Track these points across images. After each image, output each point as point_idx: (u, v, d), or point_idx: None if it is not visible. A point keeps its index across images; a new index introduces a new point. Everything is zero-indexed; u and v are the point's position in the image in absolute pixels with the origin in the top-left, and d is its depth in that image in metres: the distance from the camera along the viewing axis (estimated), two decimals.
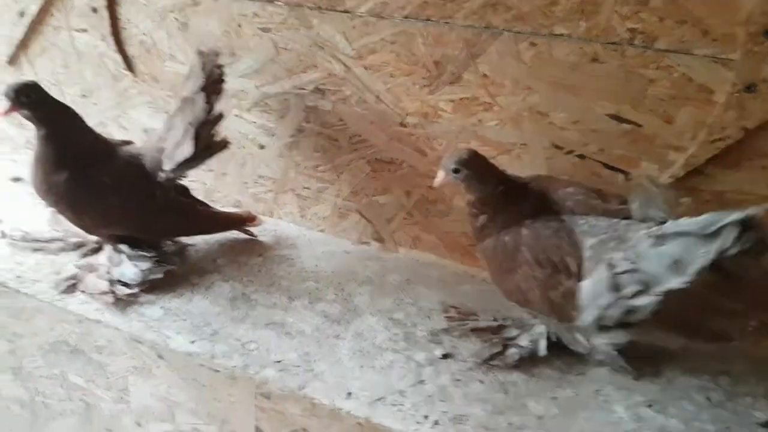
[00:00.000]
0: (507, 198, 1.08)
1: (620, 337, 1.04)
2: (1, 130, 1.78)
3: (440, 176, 1.10)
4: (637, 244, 0.97)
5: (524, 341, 1.12)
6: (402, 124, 1.31)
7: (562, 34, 1.13)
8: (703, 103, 1.07)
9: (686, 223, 0.92)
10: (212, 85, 1.25)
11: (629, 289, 0.97)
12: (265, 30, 1.36)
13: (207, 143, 1.25)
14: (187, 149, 1.22)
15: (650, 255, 0.95)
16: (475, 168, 1.08)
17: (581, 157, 1.18)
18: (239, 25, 1.39)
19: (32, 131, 1.68)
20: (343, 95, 1.35)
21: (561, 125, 1.18)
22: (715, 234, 0.89)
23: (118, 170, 1.25)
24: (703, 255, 0.90)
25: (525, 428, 0.99)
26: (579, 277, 1.02)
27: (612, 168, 1.18)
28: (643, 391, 1.07)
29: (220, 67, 1.27)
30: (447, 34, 1.20)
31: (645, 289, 0.96)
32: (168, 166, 1.24)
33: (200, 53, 1.26)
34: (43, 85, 1.61)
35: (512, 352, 1.11)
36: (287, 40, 1.35)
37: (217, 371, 1.17)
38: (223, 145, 1.29)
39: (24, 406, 2.09)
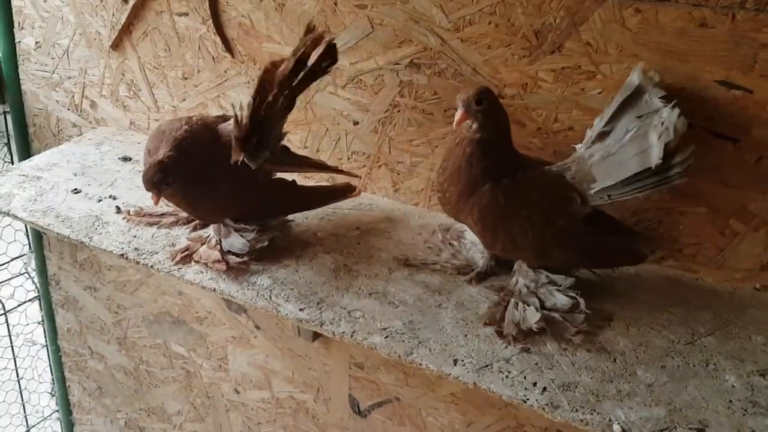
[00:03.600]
0: (510, 143, 1.14)
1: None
2: (106, 112, 1.87)
3: (459, 114, 1.11)
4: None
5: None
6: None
7: None
8: None
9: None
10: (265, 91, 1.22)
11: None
12: (361, 7, 1.38)
13: (255, 149, 1.21)
14: (235, 155, 1.21)
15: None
16: (494, 101, 1.12)
17: (689, 126, 1.15)
18: (335, 3, 1.41)
19: (136, 113, 1.78)
20: (439, 69, 1.35)
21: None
22: None
23: (223, 157, 1.28)
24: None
25: (635, 395, 0.99)
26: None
27: (721, 136, 1.15)
28: (755, 360, 1.05)
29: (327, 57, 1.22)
30: (548, 3, 1.19)
31: None
32: None
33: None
34: (147, 71, 1.70)
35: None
36: (383, 15, 1.37)
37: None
38: (265, 157, 1.25)
39: (128, 373, 2.22)
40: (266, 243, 1.29)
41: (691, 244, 1.24)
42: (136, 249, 1.33)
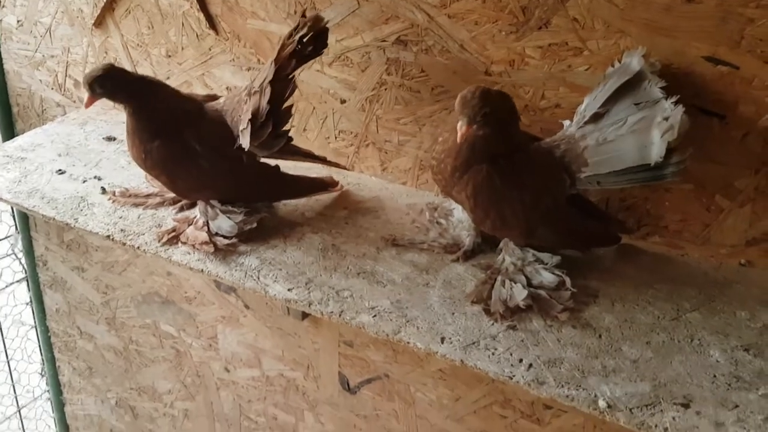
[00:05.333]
0: (516, 129, 1.15)
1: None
2: None
3: (463, 128, 1.05)
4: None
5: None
6: (487, 73, 1.30)
7: None
8: None
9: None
10: (286, 76, 1.22)
11: None
12: None
13: (268, 138, 1.23)
14: (244, 141, 1.23)
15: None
16: (498, 106, 1.08)
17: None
18: None
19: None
20: (426, 45, 1.34)
21: None
22: None
23: (206, 134, 1.28)
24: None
25: (620, 371, 1.00)
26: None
27: (708, 112, 1.15)
28: (739, 336, 1.06)
29: (315, 41, 1.23)
30: None
31: None
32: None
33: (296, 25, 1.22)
34: (131, 49, 1.68)
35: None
36: None
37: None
38: (285, 142, 1.28)
39: (118, 353, 2.23)
40: (254, 225, 1.28)
41: (677, 220, 1.25)
42: (122, 230, 1.32)
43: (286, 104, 1.24)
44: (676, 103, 1.05)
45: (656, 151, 1.03)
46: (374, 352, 1.68)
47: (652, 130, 1.05)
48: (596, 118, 1.13)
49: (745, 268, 1.22)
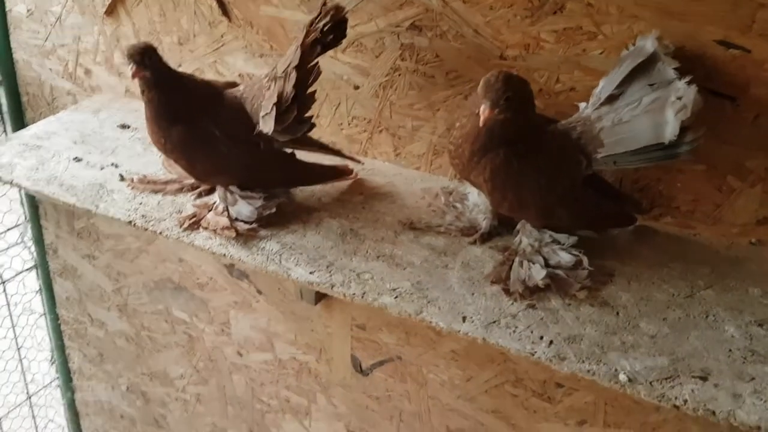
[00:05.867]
0: (533, 113, 1.18)
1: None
2: (102, 79, 1.86)
3: (486, 112, 1.08)
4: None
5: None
6: (501, 57, 1.32)
7: None
8: None
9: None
10: (311, 62, 1.24)
11: None
12: None
13: (292, 122, 1.25)
14: (268, 125, 1.24)
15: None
16: (520, 90, 1.12)
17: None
18: None
19: (130, 80, 1.77)
20: (440, 30, 1.36)
21: None
22: None
23: (226, 120, 1.30)
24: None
25: (638, 347, 1.03)
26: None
27: (719, 94, 1.17)
28: (753, 311, 1.09)
29: (334, 30, 1.25)
30: None
31: None
32: (258, 127, 1.28)
33: (317, 13, 1.23)
34: (142, 37, 1.70)
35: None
36: None
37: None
38: (309, 127, 1.30)
39: (130, 339, 2.25)
40: (274, 210, 1.31)
41: (689, 200, 1.28)
42: (143, 216, 1.34)
43: (310, 90, 1.25)
44: (689, 83, 1.07)
45: (670, 129, 1.06)
46: (387, 334, 1.71)
47: (666, 110, 1.07)
48: (611, 99, 1.15)
49: (756, 247, 1.25)
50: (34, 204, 2.18)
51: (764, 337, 1.04)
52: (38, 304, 2.38)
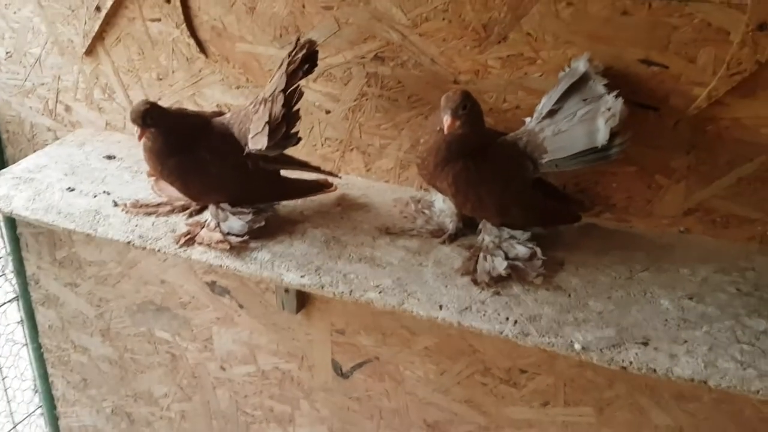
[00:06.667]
0: (483, 128, 1.36)
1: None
2: (81, 115, 1.98)
3: (449, 120, 1.25)
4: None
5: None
6: (455, 82, 1.50)
7: None
8: (721, 43, 1.27)
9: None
10: (294, 86, 1.40)
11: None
12: (328, 8, 1.55)
13: (281, 138, 1.40)
14: (261, 142, 1.39)
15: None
16: (474, 103, 1.30)
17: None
18: (303, 6, 1.57)
19: (111, 114, 1.90)
20: (401, 60, 1.54)
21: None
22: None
23: (215, 145, 1.45)
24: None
25: (589, 321, 1.21)
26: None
27: (644, 106, 1.38)
28: (683, 287, 1.29)
29: (308, 60, 1.41)
30: (492, 0, 1.39)
31: None
32: (249, 147, 1.42)
33: (294, 46, 1.41)
34: (122, 74, 1.83)
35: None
36: (348, 15, 1.54)
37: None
38: (296, 141, 1.45)
39: (113, 363, 2.34)
40: (263, 223, 1.45)
41: (624, 198, 1.48)
42: (140, 236, 1.47)
43: (294, 108, 1.41)
44: (616, 96, 1.27)
45: (602, 135, 1.25)
46: (364, 337, 1.86)
47: (598, 119, 1.27)
48: (551, 113, 1.35)
49: (684, 235, 1.45)
50: (15, 237, 2.26)
51: (694, 308, 1.24)
52: (20, 334, 2.44)
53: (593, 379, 1.64)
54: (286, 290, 1.86)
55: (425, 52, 1.51)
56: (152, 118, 1.38)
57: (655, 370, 1.12)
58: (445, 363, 1.79)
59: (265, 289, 1.94)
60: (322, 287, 1.32)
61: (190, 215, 1.54)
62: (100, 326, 2.29)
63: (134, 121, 1.37)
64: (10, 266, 2.31)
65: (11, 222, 2.24)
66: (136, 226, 1.50)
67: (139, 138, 1.38)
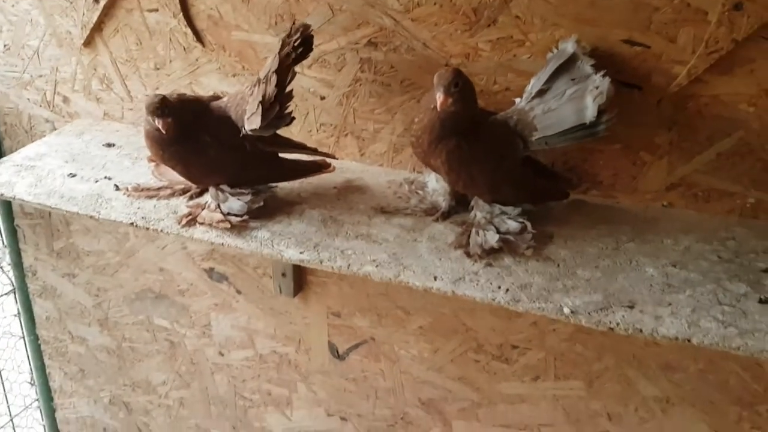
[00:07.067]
0: (476, 108, 1.41)
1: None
2: (80, 106, 2.01)
3: (441, 97, 1.30)
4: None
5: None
6: (447, 65, 1.56)
7: None
8: (699, 22, 1.33)
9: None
10: (287, 67, 1.44)
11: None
12: None
13: (275, 118, 1.44)
14: (255, 122, 1.43)
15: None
16: (467, 80, 1.34)
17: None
18: None
19: (110, 104, 1.94)
20: (394, 45, 1.59)
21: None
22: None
23: (214, 128, 1.49)
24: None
25: (577, 288, 1.27)
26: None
27: (628, 84, 1.44)
28: (667, 256, 1.35)
29: (303, 44, 1.45)
30: None
31: None
32: (245, 128, 1.47)
33: (288, 31, 1.46)
34: (120, 65, 1.87)
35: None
36: (341, 2, 1.59)
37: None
38: (290, 120, 1.49)
39: (111, 352, 2.38)
40: (262, 203, 1.50)
41: (610, 175, 1.54)
42: (143, 217, 1.51)
43: (288, 89, 1.46)
44: (603, 76, 1.33)
45: (590, 112, 1.31)
46: (360, 318, 1.91)
47: (586, 97, 1.32)
48: (541, 93, 1.40)
49: (667, 208, 1.51)
50: (12, 228, 2.29)
51: (677, 274, 1.30)
52: (17, 327, 2.47)
53: (582, 353, 1.70)
54: (283, 274, 1.90)
55: (417, 37, 1.56)
56: (168, 108, 1.41)
57: (641, 330, 1.18)
58: (438, 341, 1.84)
59: (262, 274, 1.98)
60: (321, 262, 1.36)
61: (191, 198, 1.58)
62: (98, 316, 2.32)
63: (153, 113, 1.40)
64: (8, 258, 2.34)
65: (8, 214, 2.27)
66: (138, 208, 1.54)
67: (165, 130, 1.41)
